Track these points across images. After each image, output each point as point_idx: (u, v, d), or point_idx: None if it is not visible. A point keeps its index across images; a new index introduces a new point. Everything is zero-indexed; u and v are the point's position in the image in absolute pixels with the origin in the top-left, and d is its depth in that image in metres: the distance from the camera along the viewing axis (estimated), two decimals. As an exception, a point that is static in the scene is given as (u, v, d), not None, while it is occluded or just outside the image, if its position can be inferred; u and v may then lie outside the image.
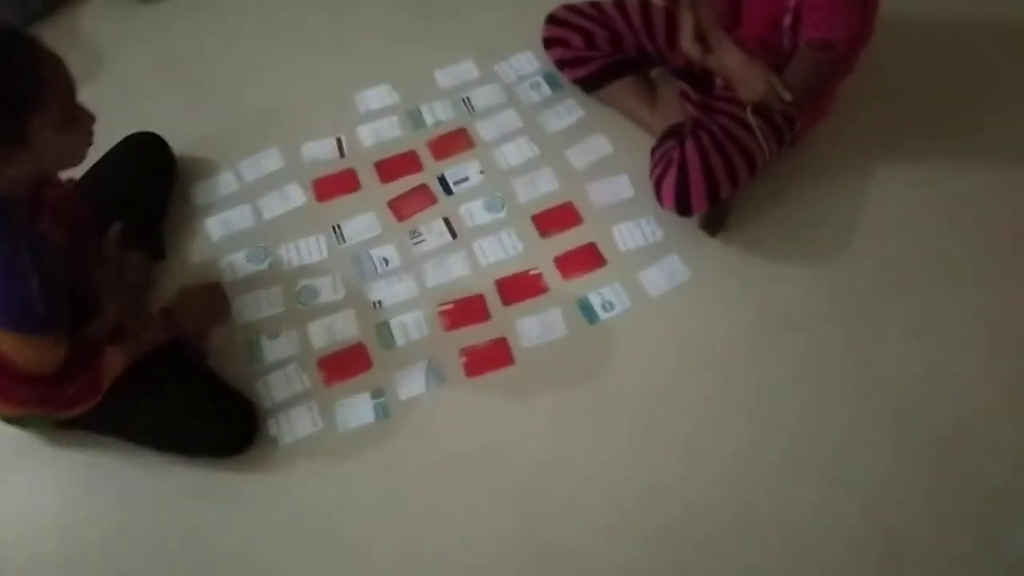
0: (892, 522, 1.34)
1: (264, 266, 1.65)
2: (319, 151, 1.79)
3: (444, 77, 1.89)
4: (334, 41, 1.98)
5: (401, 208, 1.71)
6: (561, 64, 1.78)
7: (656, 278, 1.59)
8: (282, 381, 1.52)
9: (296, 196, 1.74)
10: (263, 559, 1.37)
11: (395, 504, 1.40)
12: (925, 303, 1.54)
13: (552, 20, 1.77)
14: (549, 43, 1.78)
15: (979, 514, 1.34)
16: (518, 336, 1.55)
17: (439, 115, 1.83)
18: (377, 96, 1.87)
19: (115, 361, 1.28)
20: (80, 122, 1.11)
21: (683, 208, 1.49)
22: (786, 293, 1.56)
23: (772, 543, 1.34)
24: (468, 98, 1.85)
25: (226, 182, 1.76)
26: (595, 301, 1.57)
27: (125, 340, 1.31)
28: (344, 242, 1.67)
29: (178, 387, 1.37)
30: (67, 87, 1.07)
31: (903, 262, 1.59)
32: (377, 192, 1.73)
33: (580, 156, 1.75)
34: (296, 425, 1.47)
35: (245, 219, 1.71)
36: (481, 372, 1.51)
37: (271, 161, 1.78)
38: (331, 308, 1.59)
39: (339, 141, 1.80)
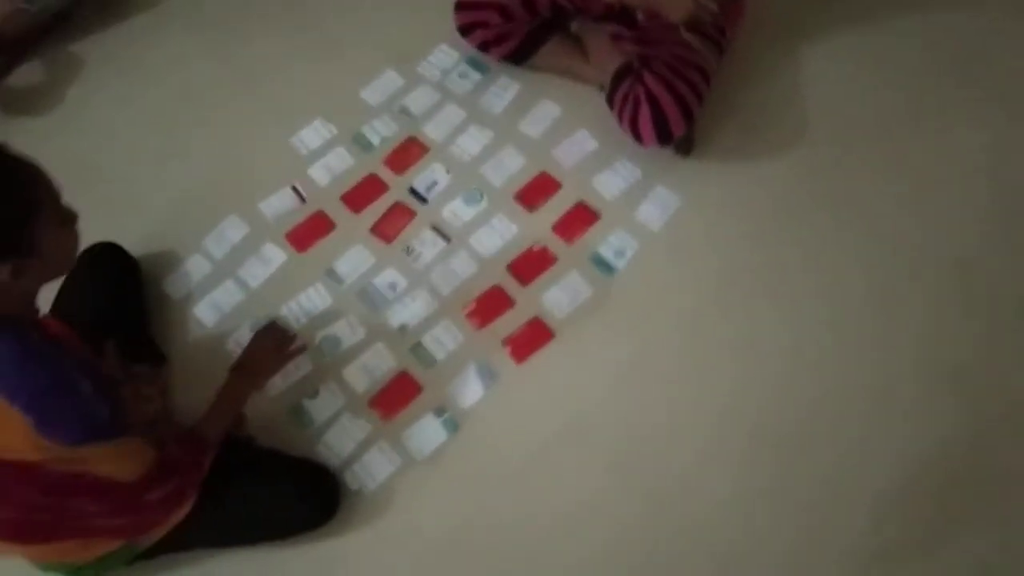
0: (947, 355, 1.45)
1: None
2: (279, 204, 1.73)
3: (371, 94, 1.86)
4: (241, 92, 1.91)
5: (385, 231, 1.68)
6: (484, 46, 1.78)
7: (652, 212, 1.64)
8: (341, 435, 1.47)
9: (275, 255, 1.68)
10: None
11: (504, 503, 1.39)
12: (895, 153, 1.65)
13: (461, 6, 1.77)
14: (466, 30, 1.78)
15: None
16: (549, 310, 1.56)
17: (383, 131, 1.80)
18: (313, 133, 1.82)
19: (210, 441, 1.25)
20: (70, 221, 1.09)
21: (665, 137, 1.54)
22: (770, 189, 1.64)
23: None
24: (404, 106, 1.83)
25: (197, 266, 1.68)
26: (606, 253, 1.60)
27: (201, 431, 1.26)
28: (343, 282, 1.63)
29: (254, 476, 1.31)
30: (55, 189, 1.05)
31: (859, 129, 1.69)
32: (355, 224, 1.69)
33: (533, 126, 1.77)
34: (375, 470, 1.43)
35: (233, 295, 1.64)
36: (528, 355, 1.52)
37: (234, 230, 1.71)
38: (359, 349, 1.55)
39: (295, 189, 1.74)
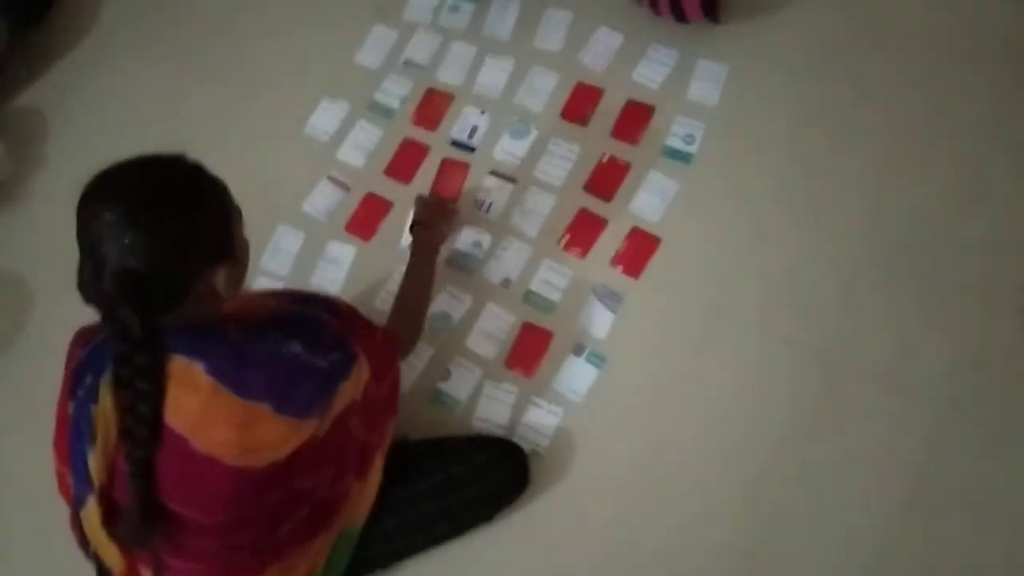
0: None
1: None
2: (323, 200, 1.61)
3: (367, 56, 1.73)
4: (232, 99, 1.75)
5: (445, 191, 1.59)
6: None
7: (704, 88, 1.58)
8: (491, 405, 1.42)
9: (344, 252, 1.57)
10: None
11: (680, 414, 1.37)
12: None
13: None
14: None
15: None
16: (644, 217, 1.50)
17: (398, 92, 1.68)
18: (325, 115, 1.69)
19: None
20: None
21: (709, 8, 1.48)
22: (807, 31, 1.59)
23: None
24: (409, 59, 1.71)
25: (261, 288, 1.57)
26: (676, 143, 1.55)
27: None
28: (424, 257, 1.54)
29: (439, 463, 1.24)
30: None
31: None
32: (411, 195, 1.59)
33: (549, 38, 1.67)
34: (541, 428, 1.39)
35: (316, 305, 1.54)
36: (642, 266, 1.47)
37: (289, 240, 1.59)
38: (471, 316, 1.48)
39: (332, 179, 1.62)
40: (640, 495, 1.33)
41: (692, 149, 1.54)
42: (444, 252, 1.49)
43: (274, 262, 1.58)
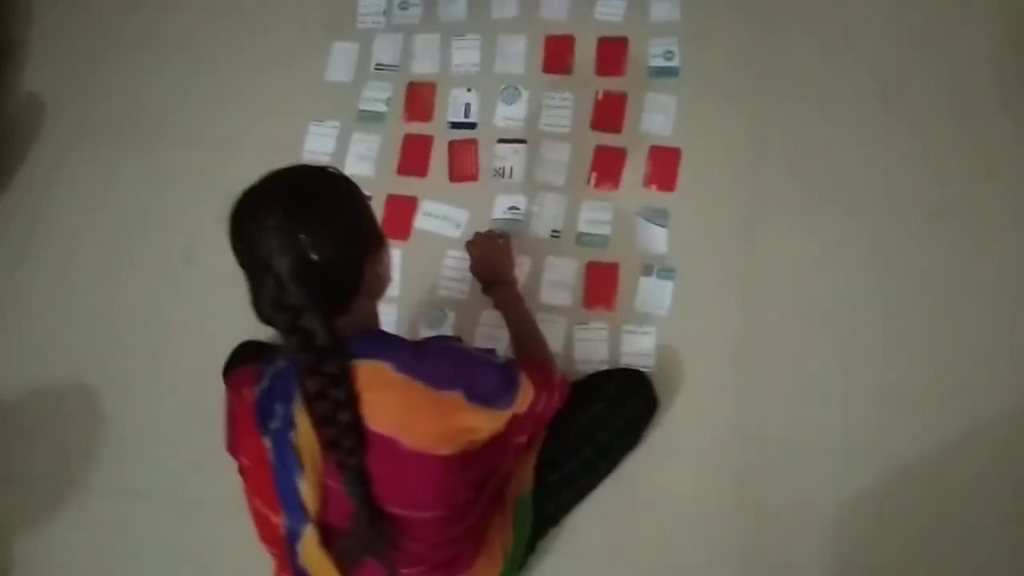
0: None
1: (446, 328, 1.51)
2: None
3: (336, 72, 1.74)
4: (218, 154, 1.72)
5: (463, 171, 1.61)
6: None
7: (663, 8, 1.66)
8: (587, 347, 1.44)
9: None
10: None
11: (762, 292, 1.44)
12: None
13: None
14: None
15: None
16: (656, 134, 1.57)
17: (380, 95, 1.69)
18: (318, 138, 1.68)
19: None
20: None
21: None
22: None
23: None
24: (379, 63, 1.72)
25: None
26: (658, 63, 1.62)
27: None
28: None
29: (576, 405, 1.25)
30: None
31: None
32: (432, 186, 1.61)
33: (503, 6, 1.73)
34: (642, 350, 1.42)
35: (384, 315, 1.52)
36: (674, 178, 1.53)
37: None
38: (535, 275, 1.50)
39: (347, 194, 1.62)
40: (752, 372, 1.40)
41: (675, 63, 1.63)
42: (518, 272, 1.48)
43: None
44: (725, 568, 1.30)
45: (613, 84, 1.63)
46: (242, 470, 1.00)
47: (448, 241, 1.56)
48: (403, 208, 1.59)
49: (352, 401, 0.87)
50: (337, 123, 1.68)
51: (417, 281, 1.54)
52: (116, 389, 1.58)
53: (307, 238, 0.84)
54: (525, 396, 1.01)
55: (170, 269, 1.65)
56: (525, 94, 1.65)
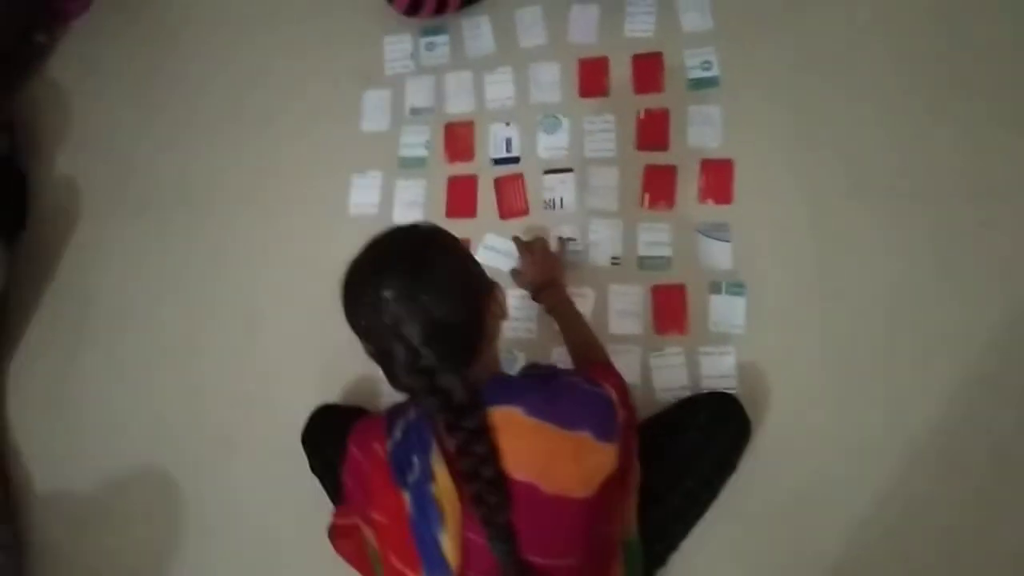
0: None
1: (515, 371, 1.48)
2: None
3: (372, 123, 1.73)
4: (270, 216, 1.71)
5: (513, 207, 1.58)
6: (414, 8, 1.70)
7: (695, 18, 1.63)
8: (665, 373, 1.41)
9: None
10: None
11: (837, 293, 1.40)
12: None
13: None
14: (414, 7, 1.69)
15: None
16: (704, 147, 1.54)
17: (419, 139, 1.68)
18: (362, 191, 1.67)
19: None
20: None
21: None
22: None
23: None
24: (413, 107, 1.71)
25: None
26: (697, 74, 1.59)
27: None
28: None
29: (666, 432, 1.23)
30: None
31: None
32: (484, 225, 1.59)
33: (531, 35, 1.70)
34: (723, 371, 1.39)
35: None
36: (730, 190, 1.50)
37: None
38: (602, 304, 1.47)
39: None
40: (838, 378, 1.36)
41: (714, 72, 1.59)
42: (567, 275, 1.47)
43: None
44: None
45: (653, 101, 1.60)
46: (374, 528, 0.97)
47: (500, 275, 1.53)
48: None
49: (494, 454, 0.86)
50: (379, 173, 1.67)
51: (481, 324, 1.51)
52: (189, 471, 1.57)
53: (430, 299, 0.84)
54: (619, 412, 0.99)
55: (233, 340, 1.64)
56: (565, 122, 1.62)
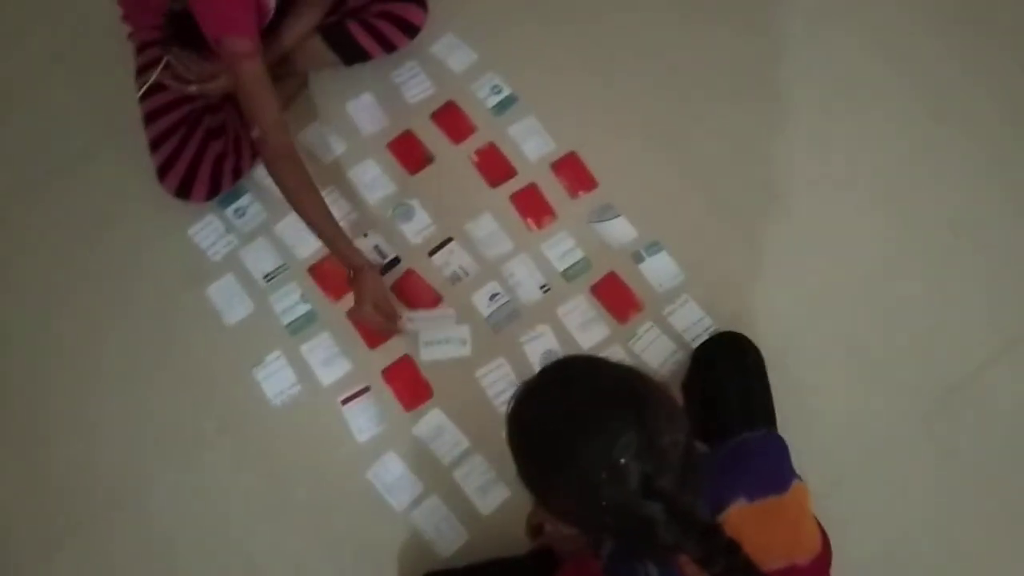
0: None
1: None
2: (363, 417, 1.47)
3: (232, 313, 1.57)
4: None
5: (424, 302, 1.54)
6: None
7: (457, 58, 1.71)
8: (650, 349, 1.48)
9: (434, 417, 1.47)
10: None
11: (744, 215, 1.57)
12: None
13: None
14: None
15: None
16: (544, 155, 1.63)
17: (291, 299, 1.56)
18: (275, 380, 1.51)
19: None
20: None
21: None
22: None
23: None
24: (265, 274, 1.59)
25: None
26: (491, 101, 1.67)
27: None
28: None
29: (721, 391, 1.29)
30: None
31: None
32: (409, 337, 1.52)
33: (328, 152, 1.67)
34: (698, 320, 1.48)
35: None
36: (587, 174, 1.60)
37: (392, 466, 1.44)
38: (560, 330, 1.50)
39: (347, 402, 1.49)
40: (781, 256, 1.53)
41: (508, 91, 1.69)
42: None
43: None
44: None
45: (475, 141, 1.65)
46: None
47: (463, 362, 1.49)
48: (406, 371, 1.50)
49: (752, 567, 0.75)
50: (277, 351, 1.53)
51: (473, 418, 1.46)
52: None
53: (653, 424, 0.74)
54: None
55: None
56: (414, 202, 1.61)
